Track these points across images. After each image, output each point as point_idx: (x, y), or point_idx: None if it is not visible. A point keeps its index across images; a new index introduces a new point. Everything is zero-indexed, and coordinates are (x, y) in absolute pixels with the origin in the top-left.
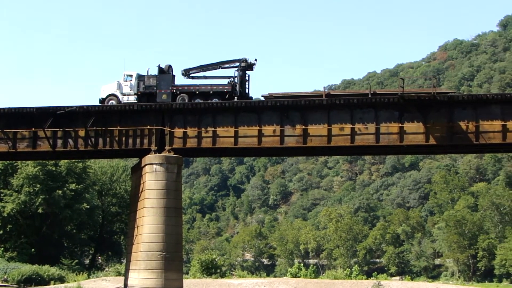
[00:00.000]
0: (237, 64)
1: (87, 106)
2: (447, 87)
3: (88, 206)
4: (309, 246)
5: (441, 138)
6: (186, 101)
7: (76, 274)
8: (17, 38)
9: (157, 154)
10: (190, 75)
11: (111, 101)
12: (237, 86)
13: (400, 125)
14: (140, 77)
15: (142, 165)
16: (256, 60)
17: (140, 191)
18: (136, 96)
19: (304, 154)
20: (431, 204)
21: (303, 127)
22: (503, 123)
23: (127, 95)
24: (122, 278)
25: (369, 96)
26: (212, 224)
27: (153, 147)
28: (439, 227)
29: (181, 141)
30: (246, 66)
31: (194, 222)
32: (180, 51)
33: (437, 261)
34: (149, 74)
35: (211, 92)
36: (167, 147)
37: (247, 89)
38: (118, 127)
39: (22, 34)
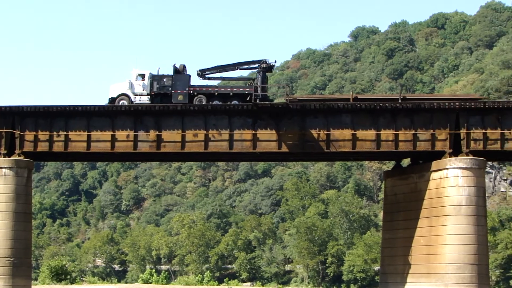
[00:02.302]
0: (256, 65)
1: None
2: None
3: None
4: (161, 252)
5: (293, 145)
6: (203, 103)
7: None
8: (24, 38)
9: (7, 158)
10: (206, 75)
11: (122, 101)
12: (259, 88)
13: (253, 132)
14: (154, 77)
15: None
16: (276, 61)
17: None
18: (149, 96)
19: (157, 159)
20: (282, 211)
21: (157, 132)
22: (353, 132)
23: (140, 95)
24: None
25: (399, 101)
26: (62, 229)
27: (3, 151)
28: (290, 234)
29: (32, 145)
30: (266, 68)
31: (44, 228)
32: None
33: (288, 267)
34: (163, 73)
35: (231, 93)
36: (17, 151)
37: (266, 92)
38: None
39: (28, 35)
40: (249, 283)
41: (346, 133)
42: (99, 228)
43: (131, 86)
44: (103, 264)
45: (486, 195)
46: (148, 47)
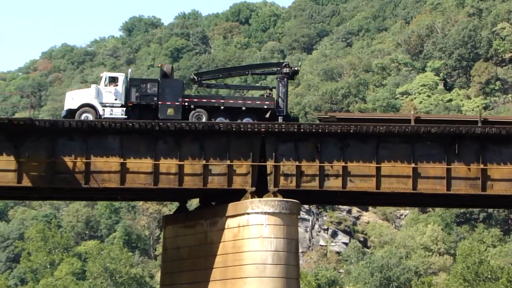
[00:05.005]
0: (275, 69)
1: None
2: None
3: None
4: None
5: (38, 178)
6: (203, 119)
7: None
8: None
9: None
10: (204, 82)
11: (84, 114)
12: (280, 100)
13: None
14: (132, 82)
15: None
16: (300, 65)
17: None
18: (123, 109)
19: None
20: (23, 269)
21: None
22: (122, 160)
23: (110, 106)
24: None
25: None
26: None
27: None
28: None
29: None
30: (289, 73)
31: None
32: None
33: None
34: (146, 77)
35: (244, 108)
36: None
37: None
38: None
39: None
40: None
41: (113, 163)
42: None
43: (99, 94)
44: None
45: (300, 250)
46: None
